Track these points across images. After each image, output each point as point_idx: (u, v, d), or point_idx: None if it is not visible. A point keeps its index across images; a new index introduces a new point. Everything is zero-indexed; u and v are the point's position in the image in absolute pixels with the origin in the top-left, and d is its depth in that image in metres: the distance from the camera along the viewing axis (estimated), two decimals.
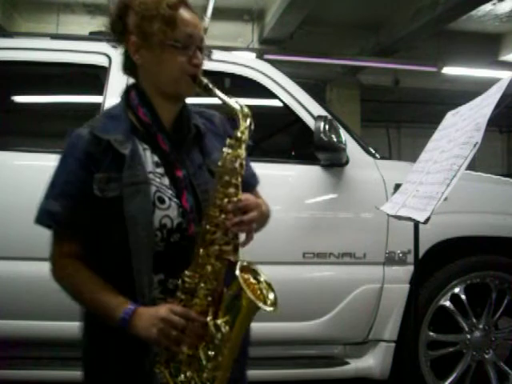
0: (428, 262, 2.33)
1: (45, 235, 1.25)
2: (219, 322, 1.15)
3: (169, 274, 1.22)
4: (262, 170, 2.63)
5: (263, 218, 1.33)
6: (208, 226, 1.18)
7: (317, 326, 2.33)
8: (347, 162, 2.41)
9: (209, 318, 1.17)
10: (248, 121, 1.23)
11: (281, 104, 2.49)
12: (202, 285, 1.17)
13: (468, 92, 3.52)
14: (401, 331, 2.39)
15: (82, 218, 1.21)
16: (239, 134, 1.22)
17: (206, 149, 1.33)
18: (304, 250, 2.32)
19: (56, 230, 1.25)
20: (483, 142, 1.51)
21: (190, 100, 1.34)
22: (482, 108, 1.65)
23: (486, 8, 7.88)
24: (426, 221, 1.53)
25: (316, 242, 2.35)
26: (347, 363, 2.39)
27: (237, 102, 1.24)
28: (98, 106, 2.32)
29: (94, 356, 1.28)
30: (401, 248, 2.37)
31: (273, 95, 2.49)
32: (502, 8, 8.08)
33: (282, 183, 2.42)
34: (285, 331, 2.31)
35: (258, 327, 1.32)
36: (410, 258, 2.32)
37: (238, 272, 1.14)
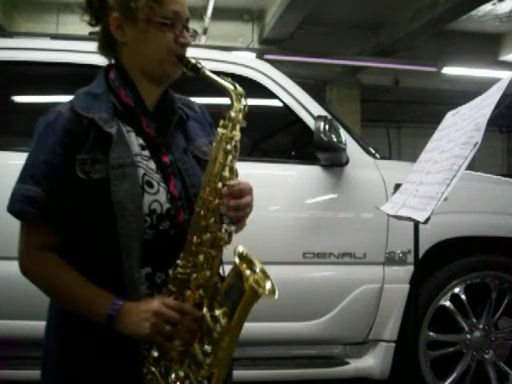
0: (428, 262, 2.33)
1: None
2: (217, 313, 1.08)
3: (156, 267, 1.14)
4: (262, 170, 2.64)
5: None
6: (202, 211, 1.10)
7: (317, 326, 2.33)
8: (347, 162, 2.41)
9: (205, 310, 1.09)
10: (242, 100, 1.16)
11: (281, 104, 2.49)
12: (195, 275, 1.10)
13: (468, 92, 3.51)
14: (401, 331, 2.39)
15: (63, 204, 1.10)
16: (233, 114, 1.14)
17: (189, 134, 1.27)
18: (304, 249, 2.32)
19: (31, 218, 1.11)
20: (483, 142, 1.51)
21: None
22: (481, 108, 1.65)
23: (485, 8, 7.88)
24: (426, 221, 1.53)
25: (316, 242, 2.34)
26: (347, 363, 2.39)
27: (229, 81, 1.17)
28: None
29: (68, 358, 1.15)
30: (401, 248, 2.37)
31: (273, 95, 2.48)
32: (502, 8, 8.08)
33: (282, 183, 2.42)
34: (285, 331, 2.31)
35: (258, 327, 1.32)
36: (410, 258, 2.32)
37: (237, 260, 1.07)
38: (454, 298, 2.48)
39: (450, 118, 2.02)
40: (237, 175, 1.25)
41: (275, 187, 2.34)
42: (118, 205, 1.09)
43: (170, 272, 1.11)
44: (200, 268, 1.10)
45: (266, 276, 1.09)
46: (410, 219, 1.67)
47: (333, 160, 2.37)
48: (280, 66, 2.64)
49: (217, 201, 1.11)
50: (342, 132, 2.33)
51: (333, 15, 8.17)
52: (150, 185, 1.14)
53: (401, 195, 1.93)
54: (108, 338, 1.10)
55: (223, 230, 1.12)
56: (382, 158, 2.70)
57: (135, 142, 1.17)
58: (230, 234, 1.13)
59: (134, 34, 1.16)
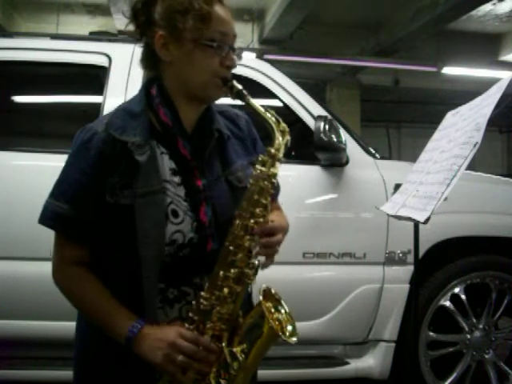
0: (428, 262, 2.33)
1: (46, 235, 1.21)
2: (235, 349, 1.08)
3: (170, 283, 1.15)
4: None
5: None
6: (231, 247, 1.10)
7: (317, 326, 2.33)
8: (347, 162, 2.41)
9: (223, 345, 1.09)
10: (285, 137, 1.14)
11: (281, 104, 2.49)
12: (218, 308, 1.10)
13: (468, 92, 3.52)
14: (401, 331, 2.39)
15: (91, 223, 1.13)
16: (273, 151, 1.12)
17: (227, 157, 1.23)
18: (304, 249, 2.32)
19: (61, 233, 1.16)
20: (483, 142, 1.51)
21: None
22: (482, 108, 1.65)
23: (486, 8, 7.88)
24: (426, 221, 1.53)
25: (316, 242, 2.35)
26: (347, 363, 2.39)
27: (273, 115, 1.15)
28: (98, 106, 2.32)
29: (88, 366, 1.19)
30: (401, 248, 2.37)
31: (273, 95, 2.49)
32: (502, 8, 8.09)
33: (282, 183, 2.41)
34: None
35: None
36: (410, 258, 2.32)
37: (261, 298, 1.08)
38: (454, 298, 2.47)
39: (450, 117, 2.02)
40: (279, 191, 1.33)
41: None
42: (141, 233, 1.09)
43: (193, 302, 1.11)
44: (223, 301, 1.10)
45: (289, 318, 1.13)
46: (410, 219, 1.67)
47: (333, 160, 2.37)
48: (280, 66, 2.64)
49: (247, 237, 1.10)
50: (342, 132, 2.33)
51: (333, 15, 8.17)
52: (176, 214, 1.14)
53: (401, 195, 1.93)
54: (128, 354, 1.10)
55: (250, 267, 1.11)
56: (382, 157, 2.70)
57: (167, 165, 1.16)
58: (256, 270, 1.12)
59: (179, 54, 1.14)
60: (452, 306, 2.47)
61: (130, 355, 1.09)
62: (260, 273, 1.14)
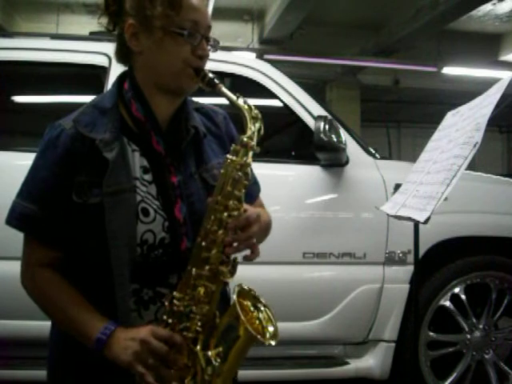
0: (428, 262, 2.33)
1: None
2: (210, 353, 1.02)
3: (144, 284, 1.10)
4: (262, 170, 2.63)
5: (264, 231, 1.19)
6: (203, 243, 1.04)
7: (317, 326, 2.33)
8: (347, 162, 2.41)
9: (198, 348, 1.03)
10: (257, 125, 1.09)
11: (281, 104, 2.49)
12: (193, 308, 1.04)
13: (468, 92, 3.52)
14: (401, 331, 2.39)
15: (59, 224, 1.08)
16: (246, 140, 1.07)
17: (202, 155, 1.19)
18: (304, 249, 2.32)
19: (28, 234, 1.12)
20: (483, 141, 1.51)
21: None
22: (481, 108, 1.65)
23: (486, 8, 7.88)
24: (426, 221, 1.53)
25: (316, 242, 2.34)
26: (347, 363, 2.39)
27: (245, 102, 1.10)
28: None
29: (63, 369, 1.15)
30: (401, 248, 2.37)
31: (273, 95, 2.48)
32: (502, 8, 8.08)
33: (282, 183, 2.42)
34: (285, 331, 2.29)
35: None
36: (410, 257, 2.32)
37: (234, 297, 1.02)
38: (454, 298, 2.48)
39: (450, 117, 2.02)
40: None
41: (275, 187, 2.34)
42: (111, 233, 1.04)
43: (166, 303, 1.05)
44: (197, 301, 1.04)
45: (269, 318, 1.05)
46: (409, 219, 1.67)
47: (333, 160, 2.37)
48: (280, 66, 2.64)
49: (221, 232, 1.04)
50: (342, 132, 2.33)
51: (333, 15, 8.17)
52: (146, 213, 1.09)
53: (401, 195, 1.93)
54: (100, 362, 1.05)
55: (225, 264, 1.05)
56: (382, 158, 2.71)
57: (138, 163, 1.11)
58: (233, 267, 1.06)
59: (149, 43, 1.09)
60: (452, 306, 2.47)
61: (102, 363, 1.04)
62: (260, 272, 1.12)
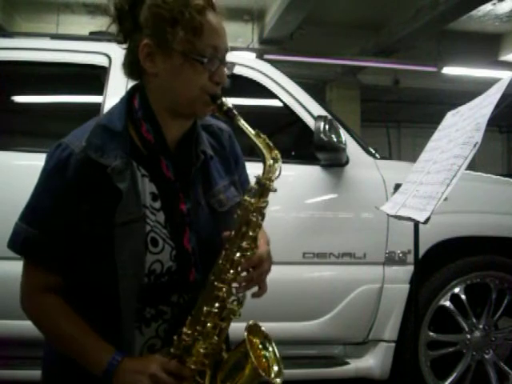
0: (428, 262, 2.33)
1: None
2: None
3: (147, 303, 1.08)
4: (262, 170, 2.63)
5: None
6: (216, 282, 1.04)
7: (317, 326, 2.33)
8: (347, 162, 2.41)
9: (206, 382, 1.03)
10: (277, 165, 1.06)
11: (281, 104, 2.49)
12: (201, 344, 1.03)
13: (468, 92, 3.52)
14: (401, 331, 2.39)
15: (63, 250, 1.05)
16: (264, 181, 1.05)
17: (209, 179, 1.16)
18: (304, 249, 2.32)
19: (31, 260, 1.08)
20: (483, 141, 1.51)
21: None
22: (481, 108, 1.65)
23: (486, 8, 7.88)
24: (426, 221, 1.53)
25: (316, 241, 2.34)
26: (347, 363, 2.38)
27: (264, 140, 1.07)
28: (98, 106, 2.32)
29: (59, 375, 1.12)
30: (401, 248, 2.37)
31: (273, 95, 2.48)
32: (502, 8, 8.08)
33: (282, 183, 2.41)
34: (285, 331, 2.31)
35: None
36: (410, 257, 2.32)
37: (245, 334, 1.03)
38: (454, 298, 2.47)
39: (450, 117, 2.02)
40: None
41: (275, 187, 2.33)
42: (120, 264, 1.02)
43: (175, 338, 1.05)
44: (206, 337, 1.04)
45: (275, 357, 1.06)
46: (410, 219, 1.67)
47: (333, 160, 2.37)
48: (280, 66, 2.64)
49: (232, 271, 1.04)
50: (342, 132, 2.33)
51: (333, 15, 8.17)
52: (155, 243, 1.06)
53: (401, 195, 1.93)
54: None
55: (235, 303, 1.06)
56: (382, 158, 2.70)
57: (147, 190, 1.08)
58: (241, 305, 1.07)
59: (166, 66, 1.04)
60: (452, 306, 2.47)
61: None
62: None
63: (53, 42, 2.72)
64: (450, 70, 8.78)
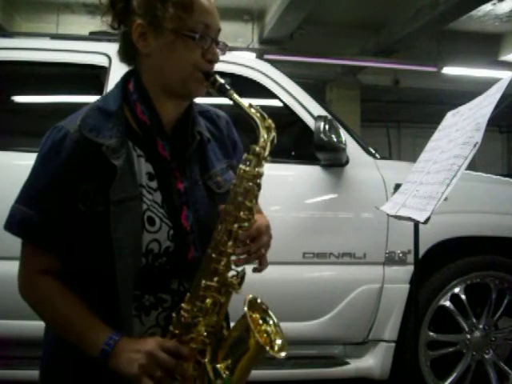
0: (428, 262, 2.33)
1: None
2: (219, 366, 1.00)
3: (146, 290, 1.08)
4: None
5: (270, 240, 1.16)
6: (213, 254, 1.03)
7: (317, 326, 2.33)
8: (347, 162, 2.41)
9: (206, 360, 1.01)
10: (270, 134, 1.06)
11: (281, 104, 2.49)
12: (201, 320, 1.02)
13: (468, 92, 3.52)
14: (401, 331, 2.39)
15: (61, 231, 1.05)
16: (258, 150, 1.04)
17: (206, 161, 1.17)
18: (304, 249, 2.32)
19: (28, 241, 1.08)
20: (483, 141, 1.51)
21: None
22: (481, 108, 1.65)
23: (486, 8, 7.88)
24: (426, 221, 1.53)
25: (316, 242, 2.34)
26: (347, 363, 2.39)
27: (258, 111, 1.07)
28: None
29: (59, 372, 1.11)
30: (401, 248, 2.37)
31: (273, 95, 2.48)
32: (502, 8, 8.08)
33: (282, 183, 2.42)
34: (285, 331, 2.30)
35: None
36: (410, 257, 2.32)
37: (246, 309, 1.00)
38: (454, 298, 2.48)
39: (450, 117, 2.02)
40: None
41: (275, 187, 2.34)
42: (116, 242, 1.01)
43: (174, 315, 1.04)
44: (206, 313, 1.02)
45: (277, 331, 1.04)
46: (409, 219, 1.67)
47: (333, 160, 2.37)
48: (280, 66, 2.64)
49: (230, 243, 1.03)
50: (342, 132, 2.33)
51: (333, 15, 8.17)
52: (152, 222, 1.06)
53: (401, 195, 1.93)
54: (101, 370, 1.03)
55: (234, 276, 1.04)
56: (382, 158, 2.71)
57: (144, 169, 1.08)
58: (241, 279, 1.05)
59: (158, 45, 1.06)
60: (452, 306, 2.47)
61: (102, 372, 1.02)
62: (260, 273, 1.12)
63: (53, 42, 2.72)
64: (449, 70, 8.78)
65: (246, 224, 1.04)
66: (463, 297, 2.47)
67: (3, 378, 2.15)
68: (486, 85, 1.84)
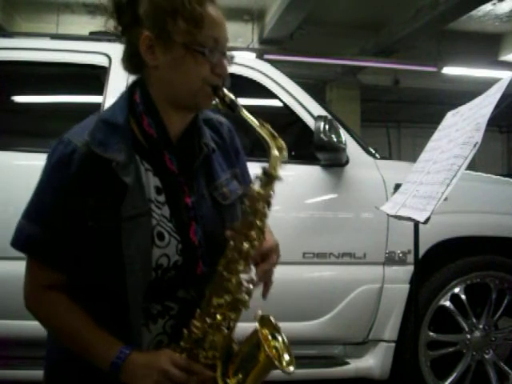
0: (428, 262, 2.33)
1: None
2: (230, 381, 1.02)
3: (153, 299, 1.08)
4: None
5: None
6: (224, 272, 1.03)
7: (317, 326, 2.33)
8: (347, 162, 2.41)
9: (218, 375, 1.02)
10: (282, 155, 1.06)
11: (281, 104, 2.49)
12: (211, 336, 1.03)
13: (468, 92, 3.52)
14: (401, 331, 2.39)
15: (68, 247, 1.04)
16: (271, 170, 1.05)
17: (212, 172, 1.16)
18: (304, 249, 2.32)
19: (35, 258, 1.07)
20: (483, 141, 1.51)
21: None
22: (481, 108, 1.65)
23: (486, 8, 7.88)
24: (426, 221, 1.53)
25: (316, 241, 2.34)
26: (347, 363, 2.38)
27: (269, 130, 1.07)
28: (98, 106, 2.31)
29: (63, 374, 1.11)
30: (401, 248, 2.37)
31: (273, 95, 2.48)
32: (502, 8, 8.09)
33: (281, 183, 2.41)
34: (285, 331, 2.30)
35: None
36: (410, 257, 2.32)
37: (257, 324, 1.03)
38: (454, 298, 2.47)
39: (450, 117, 2.02)
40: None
41: (275, 187, 2.33)
42: (128, 258, 1.01)
43: (185, 331, 1.04)
44: (217, 329, 1.04)
45: (286, 346, 1.07)
46: (410, 219, 1.67)
47: (333, 160, 2.37)
48: (280, 66, 2.64)
49: (242, 262, 1.04)
50: (342, 132, 2.33)
51: (333, 15, 8.17)
52: (161, 237, 1.05)
53: (401, 195, 1.93)
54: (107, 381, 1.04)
55: (245, 293, 1.05)
56: (382, 158, 2.70)
57: (152, 183, 1.07)
58: (249, 295, 1.07)
59: (167, 59, 1.03)
60: (452, 306, 2.47)
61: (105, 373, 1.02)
62: None
63: (53, 42, 2.72)
64: (449, 70, 8.78)
65: (257, 243, 1.05)
66: (463, 297, 2.47)
67: (3, 378, 2.15)
68: (486, 85, 1.84)
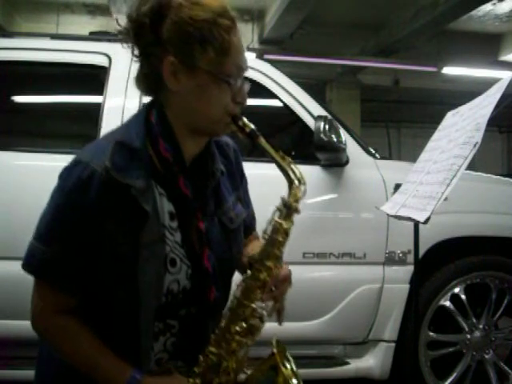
0: (428, 262, 2.33)
1: None
2: None
3: (158, 319, 1.07)
4: (262, 170, 2.65)
5: None
6: (245, 301, 1.05)
7: (317, 326, 2.33)
8: (347, 162, 2.41)
9: None
10: (302, 186, 1.08)
11: (281, 104, 2.49)
12: (225, 362, 1.04)
13: (468, 92, 3.52)
14: (401, 331, 2.39)
15: (82, 273, 1.02)
16: (292, 204, 1.08)
17: (220, 196, 1.15)
18: (304, 249, 2.32)
19: (47, 281, 1.04)
20: (483, 141, 1.51)
21: None
22: (481, 108, 1.65)
23: (486, 8, 7.88)
24: (426, 221, 1.53)
25: (316, 241, 2.34)
26: (347, 363, 2.38)
27: (288, 161, 1.08)
28: (98, 106, 2.32)
29: None
30: (401, 248, 2.37)
31: (273, 95, 2.48)
32: (502, 8, 8.09)
33: (281, 183, 2.41)
34: (285, 331, 2.29)
35: None
36: (410, 257, 2.32)
37: (275, 350, 1.07)
38: (454, 298, 2.47)
39: (450, 117, 2.02)
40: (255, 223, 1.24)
41: (275, 187, 2.33)
42: (143, 285, 1.01)
43: (201, 357, 1.05)
44: (232, 355, 1.05)
45: (294, 373, 1.12)
46: (410, 219, 1.67)
47: (333, 160, 2.37)
48: (280, 66, 2.64)
49: (259, 290, 1.06)
50: (342, 132, 2.33)
51: (333, 15, 8.17)
52: (174, 263, 1.05)
53: (401, 195, 1.93)
54: None
55: (259, 319, 1.08)
56: (382, 158, 2.70)
57: (166, 209, 1.05)
58: (262, 321, 1.09)
59: (190, 85, 1.01)
60: (452, 306, 2.47)
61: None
62: None
63: (53, 42, 2.72)
64: (449, 70, 8.77)
65: (274, 272, 1.08)
66: (463, 297, 2.47)
67: (3, 378, 2.15)
68: (486, 85, 1.84)
